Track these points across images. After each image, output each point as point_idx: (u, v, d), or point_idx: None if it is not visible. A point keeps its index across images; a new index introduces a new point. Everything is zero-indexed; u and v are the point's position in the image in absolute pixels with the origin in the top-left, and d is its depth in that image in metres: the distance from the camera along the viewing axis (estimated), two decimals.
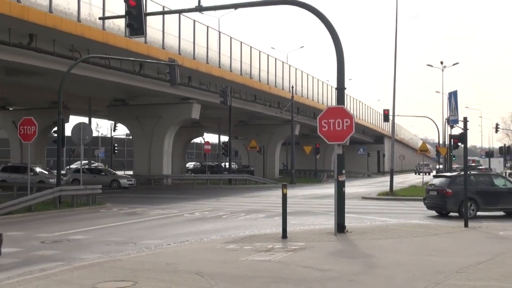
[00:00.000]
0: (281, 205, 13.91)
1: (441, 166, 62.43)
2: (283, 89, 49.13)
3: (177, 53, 32.87)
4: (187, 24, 34.56)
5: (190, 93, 40.00)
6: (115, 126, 63.50)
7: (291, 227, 15.66)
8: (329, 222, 16.79)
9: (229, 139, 49.75)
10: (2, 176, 36.84)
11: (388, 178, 36.67)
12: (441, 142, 60.31)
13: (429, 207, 21.03)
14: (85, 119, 46.80)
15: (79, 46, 27.60)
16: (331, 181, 42.71)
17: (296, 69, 52.86)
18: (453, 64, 61.55)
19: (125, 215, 21.19)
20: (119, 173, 50.29)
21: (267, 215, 20.67)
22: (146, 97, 41.17)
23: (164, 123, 43.78)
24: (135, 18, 18.23)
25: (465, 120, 17.18)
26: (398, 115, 61.13)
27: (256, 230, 15.99)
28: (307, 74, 55.84)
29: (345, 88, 15.73)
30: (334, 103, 19.76)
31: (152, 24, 29.88)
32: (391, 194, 32.02)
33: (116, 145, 65.68)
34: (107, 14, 26.38)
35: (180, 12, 27.32)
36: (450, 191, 19.59)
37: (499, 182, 20.96)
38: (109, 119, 60.33)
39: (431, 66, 61.52)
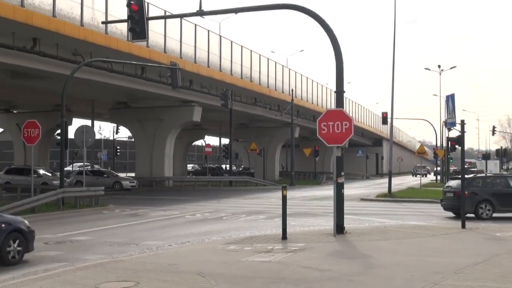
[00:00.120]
0: (281, 206, 13.92)
1: (438, 168, 62.46)
2: (283, 92, 49.17)
3: (178, 57, 32.90)
4: (188, 28, 34.60)
5: (192, 96, 40.03)
6: (117, 128, 63.50)
7: (291, 228, 15.66)
8: (328, 224, 16.80)
9: (230, 142, 49.81)
10: (6, 178, 36.86)
11: (386, 180, 36.66)
12: (438, 144, 60.29)
13: (446, 208, 21.17)
14: (88, 122, 46.90)
15: (82, 50, 27.62)
16: (330, 183, 42.68)
17: (295, 72, 52.90)
18: (451, 68, 61.65)
19: (127, 217, 21.19)
20: (121, 175, 50.28)
21: (267, 217, 20.66)
22: (148, 100, 41.21)
23: (166, 126, 43.78)
24: (137, 22, 18.26)
25: (462, 123, 17.19)
26: (396, 118, 61.13)
27: (256, 231, 15.99)
28: (307, 78, 55.88)
29: (344, 91, 15.74)
30: (333, 106, 19.77)
31: (154, 28, 29.90)
32: (390, 196, 32.02)
33: (118, 147, 65.64)
34: (109, 19, 26.42)
35: (181, 16, 27.33)
36: (466, 192, 19.77)
37: None
38: (111, 122, 60.40)
39: (429, 69, 61.61)
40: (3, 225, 11.20)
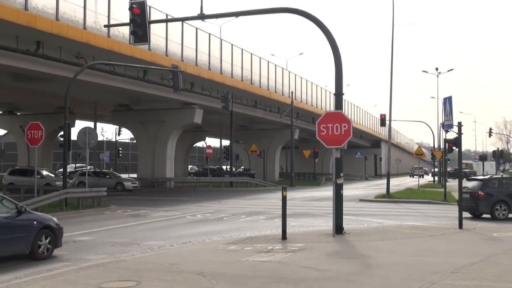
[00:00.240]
0: (281, 207, 13.92)
1: (436, 169, 62.45)
2: (283, 94, 49.19)
3: (180, 60, 32.94)
4: (189, 31, 34.63)
5: (193, 98, 40.04)
6: (119, 130, 63.56)
7: (291, 228, 15.66)
8: (328, 224, 16.81)
9: (230, 143, 49.80)
10: (10, 179, 36.88)
11: (385, 181, 36.64)
12: (436, 146, 60.29)
13: (463, 209, 21.08)
14: (90, 124, 46.91)
15: (85, 53, 27.64)
16: (329, 184, 42.66)
17: (295, 75, 52.93)
18: (448, 71, 61.64)
19: (129, 217, 21.19)
20: (123, 176, 50.27)
21: (267, 217, 20.66)
22: (150, 102, 41.22)
23: (168, 128, 43.80)
24: (139, 25, 18.29)
25: (460, 125, 17.21)
26: (394, 120, 61.18)
27: (256, 232, 15.99)
28: (306, 80, 55.90)
29: (343, 94, 15.75)
30: (332, 108, 19.76)
31: (156, 32, 29.92)
32: (388, 197, 32.00)
33: (120, 149, 65.72)
34: (112, 22, 26.44)
35: (183, 20, 27.36)
36: (482, 193, 19.97)
37: None
38: (114, 124, 60.39)
39: (427, 72, 61.63)
40: (35, 222, 11.76)
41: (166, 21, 29.21)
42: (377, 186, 48.18)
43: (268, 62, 46.64)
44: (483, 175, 59.52)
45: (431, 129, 60.23)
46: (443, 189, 32.84)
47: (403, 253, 11.73)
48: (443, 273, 9.36)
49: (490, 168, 71.58)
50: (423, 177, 59.58)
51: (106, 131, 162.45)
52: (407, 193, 36.04)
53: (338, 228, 14.54)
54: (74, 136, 28.34)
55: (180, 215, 21.66)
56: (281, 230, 13.90)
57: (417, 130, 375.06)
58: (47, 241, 11.89)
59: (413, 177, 79.58)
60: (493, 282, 8.83)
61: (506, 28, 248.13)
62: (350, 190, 39.67)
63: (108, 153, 68.11)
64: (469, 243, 13.46)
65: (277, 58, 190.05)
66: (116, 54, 28.01)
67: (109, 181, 39.13)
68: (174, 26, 32.59)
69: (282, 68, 50.74)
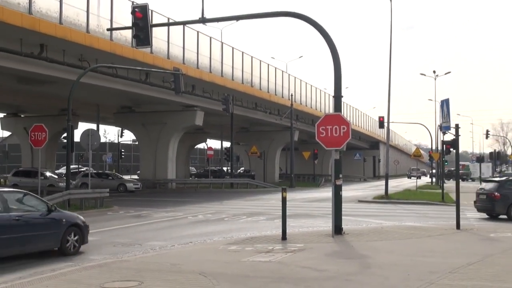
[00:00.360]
0: (281, 208, 13.91)
1: (434, 171, 62.44)
2: (282, 97, 49.19)
3: (181, 63, 32.94)
4: (191, 35, 34.64)
5: (194, 100, 40.06)
6: (122, 132, 63.58)
7: (291, 229, 15.64)
8: (327, 225, 16.79)
9: (231, 145, 49.81)
10: (13, 180, 36.87)
11: (383, 182, 36.62)
12: (434, 147, 60.29)
13: (479, 210, 21.30)
14: (93, 126, 46.80)
15: (88, 56, 27.65)
16: (328, 185, 42.62)
17: (295, 78, 52.94)
18: (445, 73, 61.79)
19: (131, 218, 21.18)
20: (126, 177, 50.26)
21: (267, 218, 20.65)
22: (152, 104, 41.23)
23: (169, 130, 43.81)
24: (142, 29, 18.30)
25: (457, 127, 17.19)
26: (392, 122, 61.22)
27: (257, 232, 15.98)
28: (306, 83, 55.91)
29: (342, 96, 15.73)
30: (331, 111, 19.74)
31: (158, 35, 29.93)
32: (386, 198, 31.98)
33: (123, 150, 65.72)
34: (114, 26, 26.46)
35: (184, 23, 27.37)
36: (499, 194, 19.98)
37: None
38: (116, 126, 60.42)
39: (424, 75, 61.77)
40: (63, 220, 12.39)
41: (168, 24, 29.22)
42: (376, 187, 48.15)
43: (268, 65, 46.65)
44: (480, 176, 59.64)
45: (429, 131, 60.42)
46: (440, 190, 32.81)
47: (402, 253, 11.71)
48: (441, 273, 9.35)
49: (486, 169, 71.62)
50: (420, 178, 59.59)
51: (109, 133, 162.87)
52: (405, 194, 36.02)
53: (337, 229, 14.53)
54: (77, 138, 28.27)
55: (182, 216, 21.65)
56: (281, 231, 13.89)
57: (415, 132, 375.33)
58: (75, 238, 12.49)
59: (410, 178, 79.61)
60: (490, 282, 8.81)
61: (503, 32, 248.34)
62: (349, 191, 39.63)
63: (110, 155, 68.17)
64: (467, 243, 13.44)
65: (277, 61, 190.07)
66: (118, 57, 28.02)
67: (112, 182, 39.12)
68: (176, 30, 32.62)
69: (282, 71, 50.77)
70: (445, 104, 18.77)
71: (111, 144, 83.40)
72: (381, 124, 42.87)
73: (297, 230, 16.14)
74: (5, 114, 50.51)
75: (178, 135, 45.07)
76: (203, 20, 18.83)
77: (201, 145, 79.49)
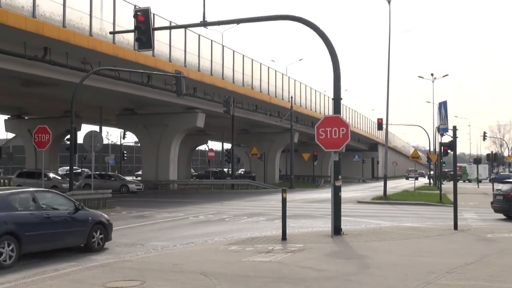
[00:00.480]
0: (281, 208, 13.90)
1: (431, 172, 62.43)
2: (282, 99, 49.19)
3: (183, 66, 32.95)
4: (192, 38, 34.66)
5: (195, 103, 40.08)
6: (124, 134, 63.50)
7: (290, 229, 15.64)
8: (326, 225, 16.79)
9: (232, 147, 49.80)
10: (17, 181, 36.88)
11: (382, 183, 36.62)
12: (432, 149, 60.26)
13: (496, 211, 21.27)
14: (96, 128, 47.00)
15: (91, 59, 27.67)
16: (328, 186, 42.63)
17: (295, 80, 52.95)
18: (443, 76, 61.80)
19: (133, 218, 21.17)
20: (128, 178, 50.27)
21: (267, 218, 20.63)
22: (154, 106, 41.25)
23: (171, 131, 43.82)
24: (144, 32, 18.31)
25: (455, 129, 17.18)
26: (391, 124, 61.02)
27: (257, 233, 15.97)
28: (305, 85, 55.92)
29: (341, 99, 15.73)
30: (331, 113, 19.75)
31: (160, 38, 29.97)
32: (385, 199, 31.96)
33: (125, 152, 65.72)
34: (117, 29, 26.47)
35: (186, 27, 27.40)
36: None
37: None
38: (118, 128, 60.44)
39: (422, 77, 61.73)
40: (90, 218, 12.91)
41: (170, 28, 29.25)
42: (374, 188, 48.13)
43: (268, 67, 46.68)
44: (477, 178, 59.61)
45: (427, 133, 60.27)
46: (438, 191, 32.79)
47: (400, 254, 11.70)
48: (439, 273, 9.34)
49: (483, 170, 71.61)
50: (417, 179, 59.70)
51: (111, 135, 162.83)
52: (404, 195, 36.00)
53: (337, 229, 14.52)
54: (80, 139, 28.32)
55: (183, 216, 21.64)
56: (281, 231, 13.87)
57: (413, 133, 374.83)
58: (100, 235, 13.01)
59: (408, 179, 79.61)
60: (487, 282, 8.80)
61: (500, 35, 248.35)
62: (348, 192, 39.61)
63: (113, 156, 68.22)
64: (464, 243, 13.43)
65: (277, 64, 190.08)
66: (121, 60, 28.04)
67: (114, 184, 39.14)
68: (177, 33, 32.62)
69: (282, 74, 50.79)
70: (442, 106, 18.79)
71: (114, 145, 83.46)
72: (379, 126, 42.88)
73: (297, 231, 16.14)
74: (9, 116, 50.54)
75: (179, 136, 45.08)
76: (204, 24, 18.82)
77: (202, 147, 79.55)
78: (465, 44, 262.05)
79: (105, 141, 69.73)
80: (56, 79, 28.16)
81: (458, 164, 24.80)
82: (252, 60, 43.46)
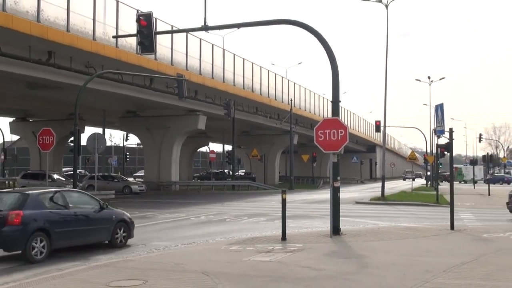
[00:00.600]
0: (280, 209, 13.89)
1: (428, 173, 62.39)
2: (282, 102, 49.23)
3: (184, 69, 32.99)
4: (194, 42, 34.71)
5: (197, 105, 40.08)
6: (127, 136, 63.63)
7: (290, 229, 15.63)
8: (325, 225, 16.78)
9: (232, 148, 49.81)
10: (22, 182, 36.90)
11: (379, 184, 36.59)
12: (428, 151, 60.26)
13: None
14: (99, 130, 46.95)
15: (94, 62, 27.70)
16: (327, 187, 42.63)
17: (294, 83, 53.00)
18: (440, 79, 61.80)
19: (136, 219, 20.94)
20: (131, 179, 50.27)
21: (268, 219, 20.62)
22: (156, 109, 41.26)
23: (173, 134, 43.82)
24: (146, 36, 18.32)
25: (451, 131, 17.19)
26: (389, 126, 61.05)
27: (257, 233, 15.96)
28: (305, 88, 55.95)
29: (339, 101, 15.72)
30: (329, 115, 19.78)
31: (162, 42, 29.98)
32: (383, 199, 31.93)
33: (128, 153, 65.81)
34: (120, 33, 26.51)
35: (187, 31, 27.38)
36: None
37: None
38: (121, 130, 60.46)
39: (419, 80, 61.76)
40: (113, 216, 13.38)
41: (172, 32, 29.25)
42: (372, 189, 48.10)
43: (268, 71, 46.72)
44: (473, 178, 59.57)
45: (424, 135, 60.30)
46: (435, 192, 32.78)
47: (398, 253, 11.70)
48: (436, 272, 9.33)
49: (479, 172, 71.58)
50: (414, 180, 59.75)
51: (114, 137, 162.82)
52: (401, 195, 35.96)
53: (335, 229, 14.51)
54: (83, 141, 28.33)
55: (185, 217, 21.64)
56: (281, 231, 13.87)
57: (410, 135, 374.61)
58: (123, 233, 13.45)
59: (405, 180, 79.58)
60: (483, 280, 8.80)
61: (496, 39, 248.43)
62: (347, 193, 39.60)
63: (116, 158, 68.18)
64: (461, 243, 13.42)
65: (277, 67, 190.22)
66: (123, 64, 28.07)
67: (117, 185, 39.12)
68: (179, 37, 32.67)
69: (282, 77, 50.86)
70: (439, 108, 18.81)
71: (117, 147, 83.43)
72: (377, 128, 42.86)
73: (297, 231, 16.13)
74: (14, 118, 50.56)
75: (181, 138, 45.08)
76: (205, 28, 18.84)
77: (203, 149, 79.53)
78: (461, 48, 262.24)
79: (108, 143, 69.78)
80: (60, 82, 28.19)
81: (454, 165, 24.76)
82: (253, 63, 43.50)
